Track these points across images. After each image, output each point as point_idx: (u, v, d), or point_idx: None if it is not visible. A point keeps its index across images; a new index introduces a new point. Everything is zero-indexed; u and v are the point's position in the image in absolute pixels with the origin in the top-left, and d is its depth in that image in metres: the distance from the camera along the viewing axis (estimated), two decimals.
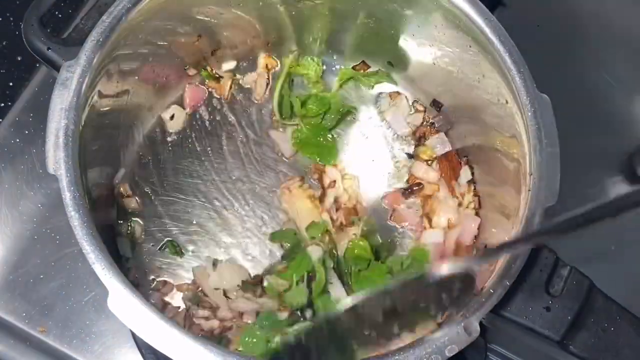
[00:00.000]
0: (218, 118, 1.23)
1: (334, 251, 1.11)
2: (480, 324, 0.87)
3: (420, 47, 1.15)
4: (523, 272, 0.90)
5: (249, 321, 1.07)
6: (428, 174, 1.18)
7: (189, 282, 1.12)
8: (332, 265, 1.08)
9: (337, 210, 1.16)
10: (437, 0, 1.02)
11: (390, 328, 0.82)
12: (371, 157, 1.22)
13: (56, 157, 0.89)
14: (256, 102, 1.24)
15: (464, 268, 0.79)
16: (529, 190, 0.94)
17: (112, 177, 1.11)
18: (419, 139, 1.20)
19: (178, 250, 1.13)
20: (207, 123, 1.22)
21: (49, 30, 1.00)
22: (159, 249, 1.14)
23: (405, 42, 1.16)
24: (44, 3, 1.01)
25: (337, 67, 1.26)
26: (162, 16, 1.04)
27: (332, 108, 1.21)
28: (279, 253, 1.15)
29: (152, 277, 1.12)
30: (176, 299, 1.11)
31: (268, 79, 1.25)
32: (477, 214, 1.13)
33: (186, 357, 0.81)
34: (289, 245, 1.13)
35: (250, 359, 0.83)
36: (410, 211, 1.17)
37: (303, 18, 1.17)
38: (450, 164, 1.18)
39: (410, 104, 1.24)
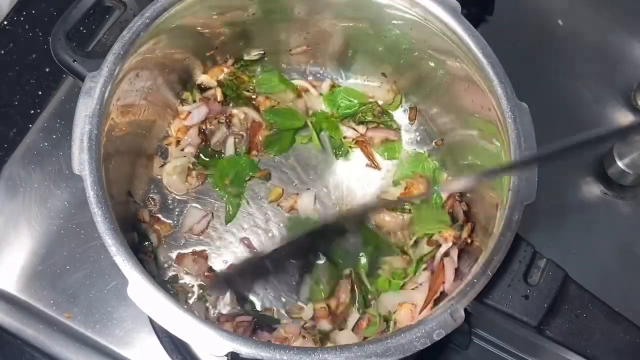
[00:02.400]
0: None
1: None
2: (465, 310, 0.87)
3: (411, 60, 1.14)
4: (504, 264, 0.90)
5: None
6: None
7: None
8: None
9: None
10: (427, 17, 1.02)
11: None
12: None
13: (81, 159, 0.89)
14: None
15: (464, 186, 0.90)
16: (510, 189, 0.93)
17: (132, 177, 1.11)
18: None
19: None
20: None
21: (74, 44, 0.99)
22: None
23: (398, 56, 1.16)
24: (70, 20, 1.00)
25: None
26: (178, 31, 1.04)
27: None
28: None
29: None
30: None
31: None
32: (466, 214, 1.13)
33: (198, 340, 0.82)
34: None
35: (260, 345, 0.82)
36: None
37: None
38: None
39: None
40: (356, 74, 1.24)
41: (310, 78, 1.25)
